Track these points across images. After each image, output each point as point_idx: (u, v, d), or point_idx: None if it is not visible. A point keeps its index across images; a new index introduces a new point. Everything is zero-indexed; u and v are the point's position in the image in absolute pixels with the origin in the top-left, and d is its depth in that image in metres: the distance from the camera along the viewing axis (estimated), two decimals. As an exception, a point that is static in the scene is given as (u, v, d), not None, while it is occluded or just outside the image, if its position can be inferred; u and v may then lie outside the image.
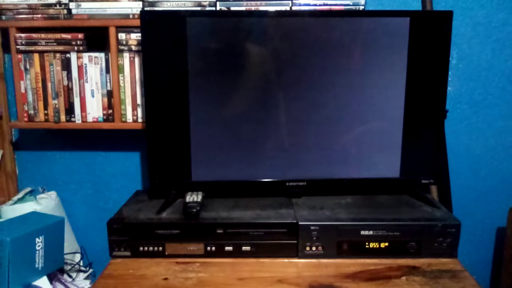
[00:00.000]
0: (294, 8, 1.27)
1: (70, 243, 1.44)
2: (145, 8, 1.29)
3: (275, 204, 1.23)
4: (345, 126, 1.22)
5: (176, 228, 1.12)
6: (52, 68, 1.32)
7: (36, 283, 1.16)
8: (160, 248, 1.13)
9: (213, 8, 1.28)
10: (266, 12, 1.22)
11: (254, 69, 1.19)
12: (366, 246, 1.12)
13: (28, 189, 1.50)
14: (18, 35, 1.30)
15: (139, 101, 1.33)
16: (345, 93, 1.20)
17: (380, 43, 1.18)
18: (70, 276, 1.31)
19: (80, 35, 1.30)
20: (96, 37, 1.35)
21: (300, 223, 1.11)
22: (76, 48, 1.30)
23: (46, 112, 1.34)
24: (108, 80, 1.32)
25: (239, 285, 1.03)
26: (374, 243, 1.12)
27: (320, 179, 1.25)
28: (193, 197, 1.17)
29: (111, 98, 1.33)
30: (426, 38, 1.18)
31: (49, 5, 1.30)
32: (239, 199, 1.26)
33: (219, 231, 1.12)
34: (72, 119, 1.34)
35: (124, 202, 1.28)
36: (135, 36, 1.29)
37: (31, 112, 1.34)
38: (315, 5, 1.28)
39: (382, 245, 1.12)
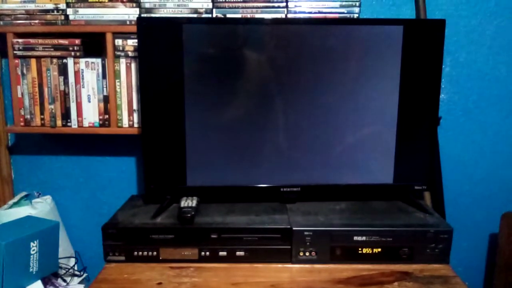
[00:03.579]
0: (289, 15, 1.29)
1: (64, 248, 1.44)
2: (142, 15, 1.30)
3: (269, 210, 1.24)
4: (339, 132, 1.23)
5: (170, 233, 1.12)
6: (49, 73, 1.32)
7: (31, 287, 1.16)
8: (155, 253, 1.13)
9: (209, 15, 1.29)
10: (262, 19, 1.23)
11: (249, 76, 1.20)
12: (359, 252, 1.13)
13: (24, 193, 1.50)
14: (15, 40, 1.31)
15: (135, 106, 1.33)
16: (339, 100, 1.21)
17: (374, 51, 1.19)
18: (64, 281, 1.31)
19: (77, 41, 1.30)
20: (93, 43, 1.35)
21: (294, 228, 1.12)
22: (73, 53, 1.31)
23: (42, 116, 1.35)
24: (105, 86, 1.33)
25: (233, 290, 1.03)
26: (367, 249, 1.13)
27: (314, 185, 1.25)
28: (188, 202, 1.18)
29: (107, 103, 1.34)
30: (420, 46, 1.20)
31: (47, 11, 1.31)
32: (234, 205, 1.27)
33: (214, 236, 1.12)
34: (69, 124, 1.35)
35: (119, 207, 1.28)
36: (131, 42, 1.30)
37: (28, 116, 1.35)
38: (310, 13, 1.29)
39: (375, 250, 1.13)
